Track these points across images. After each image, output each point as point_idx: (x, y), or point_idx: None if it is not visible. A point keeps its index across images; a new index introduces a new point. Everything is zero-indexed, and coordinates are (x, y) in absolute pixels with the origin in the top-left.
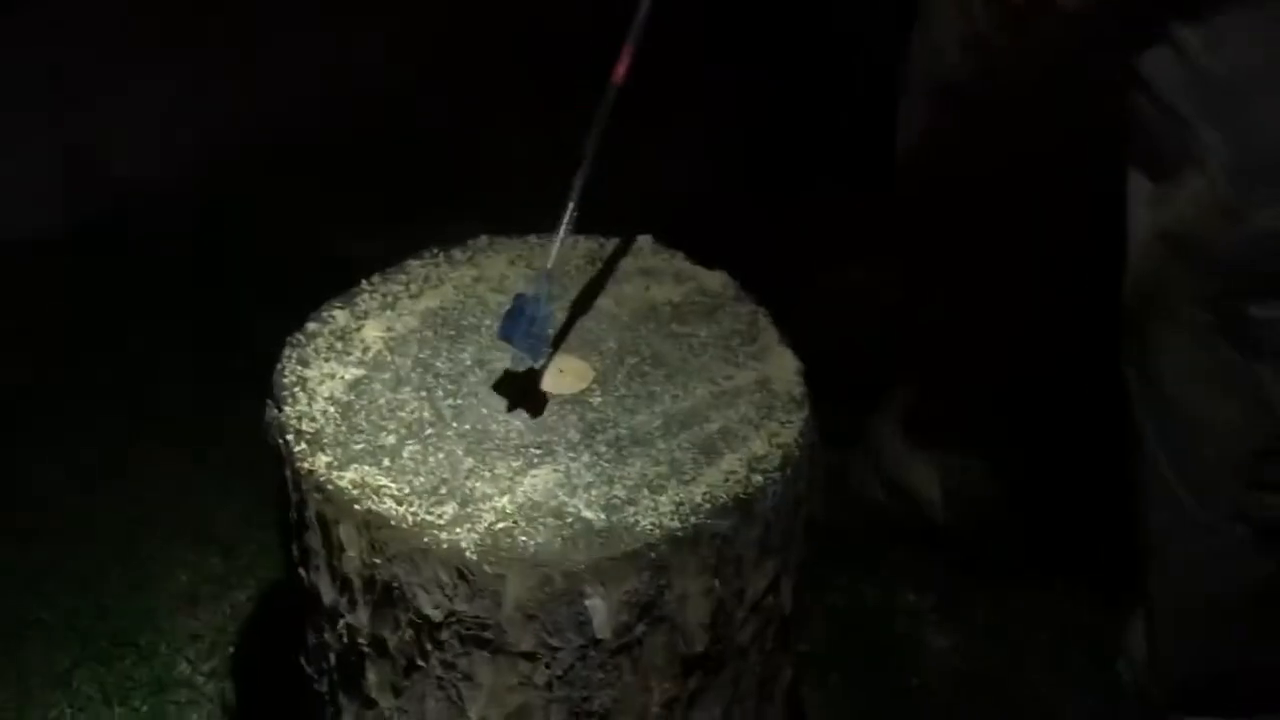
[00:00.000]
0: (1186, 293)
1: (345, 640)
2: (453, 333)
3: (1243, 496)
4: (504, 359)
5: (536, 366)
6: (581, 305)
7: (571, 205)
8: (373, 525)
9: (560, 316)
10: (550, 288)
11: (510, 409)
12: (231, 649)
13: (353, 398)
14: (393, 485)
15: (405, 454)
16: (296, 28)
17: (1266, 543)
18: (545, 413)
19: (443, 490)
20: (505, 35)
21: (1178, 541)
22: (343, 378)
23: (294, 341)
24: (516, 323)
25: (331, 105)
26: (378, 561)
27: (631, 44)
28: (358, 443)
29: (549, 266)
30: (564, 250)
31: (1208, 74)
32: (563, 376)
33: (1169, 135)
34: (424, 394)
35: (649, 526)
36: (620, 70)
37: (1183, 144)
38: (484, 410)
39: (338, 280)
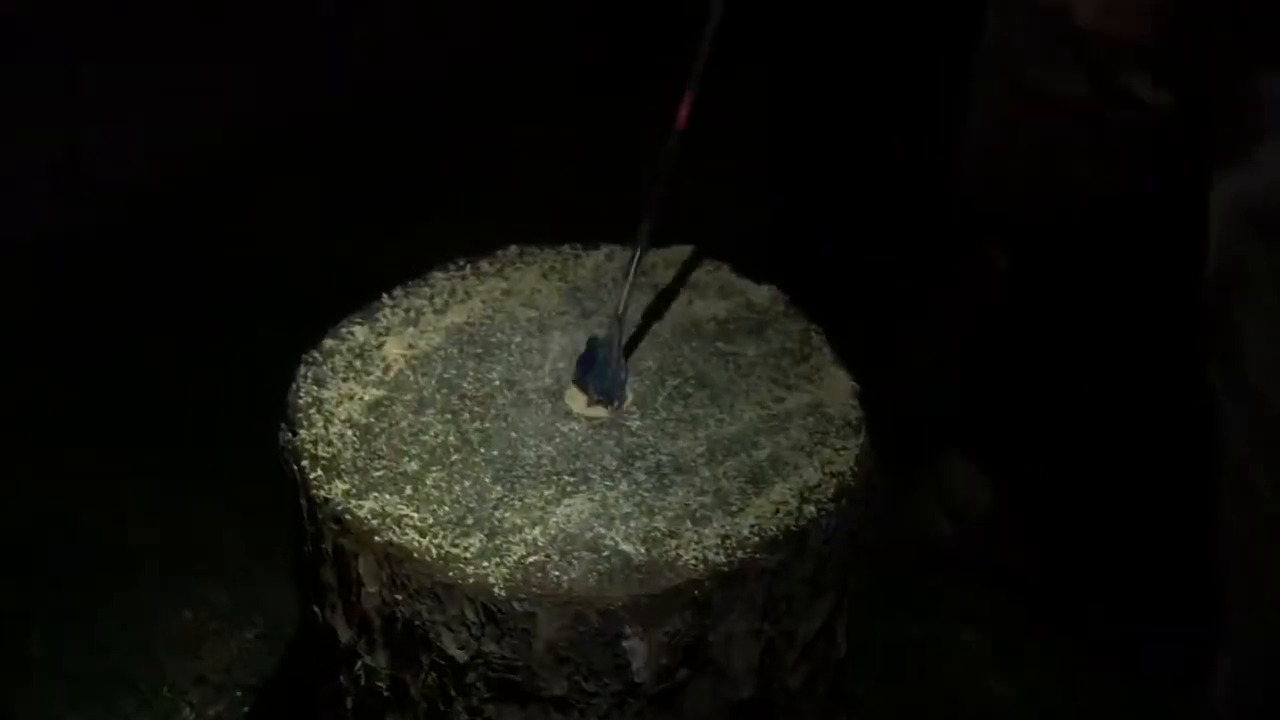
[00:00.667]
0: (1270, 273)
1: (363, 684)
2: (480, 351)
3: None
4: (535, 379)
5: (614, 408)
6: (620, 321)
7: (638, 251)
8: (394, 559)
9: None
10: (620, 338)
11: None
12: (239, 693)
13: (372, 420)
14: (415, 515)
15: (429, 482)
16: (298, 25)
17: None
18: (580, 438)
19: (469, 521)
20: (514, 31)
21: (1267, 551)
22: (362, 399)
23: (309, 360)
24: (591, 367)
25: (333, 104)
26: (399, 598)
27: (692, 90)
28: (378, 469)
29: (620, 312)
30: (599, 261)
31: None
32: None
33: (1253, 100)
34: (449, 417)
35: (692, 561)
36: (683, 115)
37: (1256, 114)
38: (513, 434)
39: (341, 287)
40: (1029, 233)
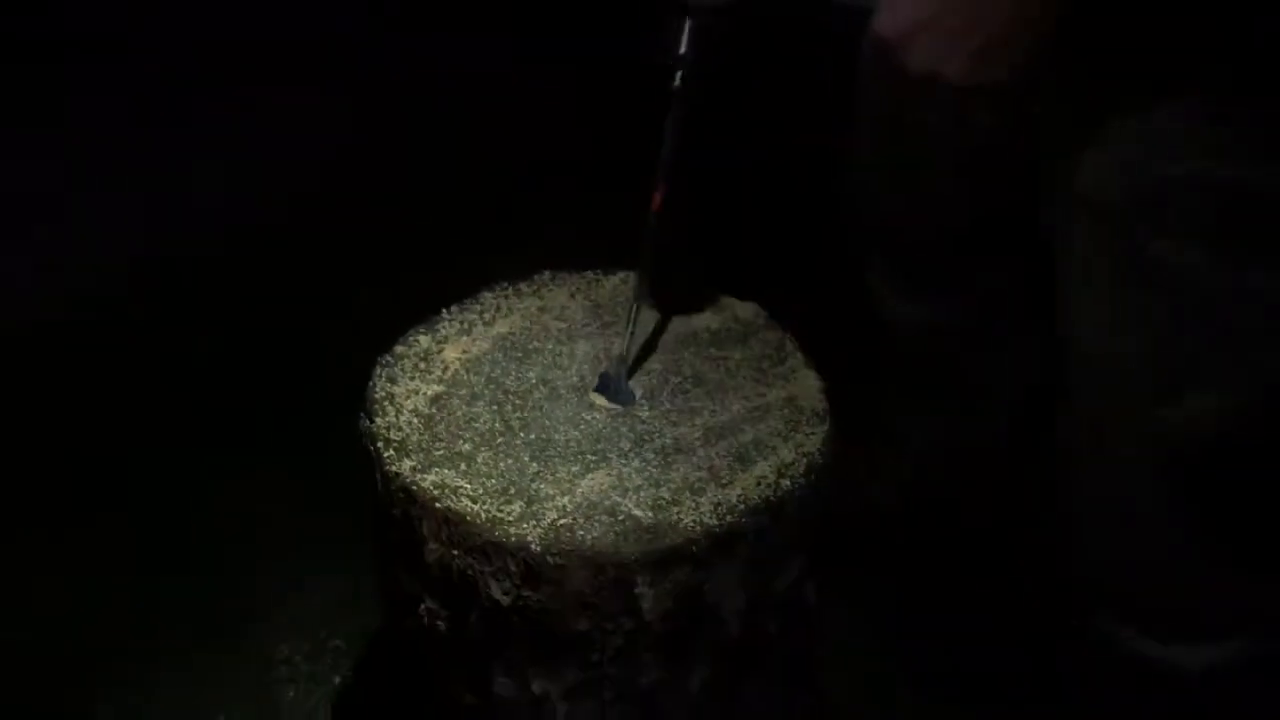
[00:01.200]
0: (1091, 244)
1: (426, 623)
2: (520, 355)
3: (1144, 420)
4: (565, 377)
5: (626, 408)
6: (634, 333)
7: (635, 308)
8: (451, 521)
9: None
10: (626, 368)
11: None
12: (324, 633)
13: (434, 411)
14: (468, 486)
15: (479, 460)
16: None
17: (1170, 462)
18: (600, 425)
19: (511, 491)
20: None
21: (1096, 473)
22: (425, 393)
23: (384, 362)
24: (605, 388)
25: (389, 158)
26: (455, 553)
27: (663, 180)
28: (438, 449)
29: (626, 355)
30: (616, 284)
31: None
32: None
33: (1080, 120)
34: (495, 408)
35: (691, 524)
36: (657, 199)
37: (1094, 112)
38: (547, 422)
39: (411, 307)
40: (902, 245)
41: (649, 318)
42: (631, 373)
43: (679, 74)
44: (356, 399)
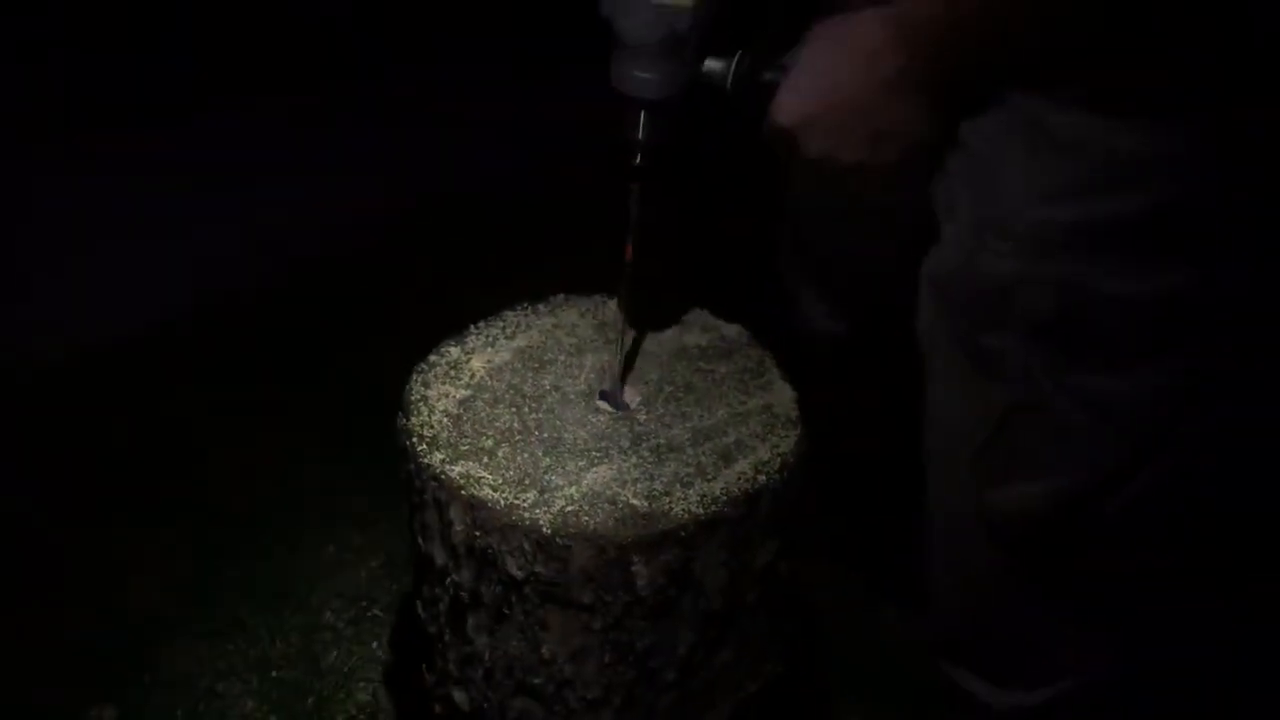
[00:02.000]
0: (942, 327)
1: (452, 594)
2: (537, 365)
3: (971, 489)
4: (575, 385)
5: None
6: (633, 348)
7: (620, 330)
8: (474, 507)
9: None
10: (618, 378)
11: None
12: (364, 602)
13: (461, 411)
14: (490, 477)
15: (499, 454)
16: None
17: (994, 532)
18: (604, 426)
19: (526, 481)
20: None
21: (934, 524)
22: (454, 396)
23: (419, 370)
24: (607, 396)
25: (455, 192)
26: (478, 534)
27: (632, 240)
28: (464, 445)
29: (617, 369)
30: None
31: (969, 147)
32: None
33: (942, 196)
34: (514, 410)
35: (681, 513)
36: (629, 251)
37: (949, 202)
38: (558, 423)
39: (443, 323)
40: (833, 286)
41: (648, 336)
42: (625, 383)
43: (639, 155)
44: (395, 401)
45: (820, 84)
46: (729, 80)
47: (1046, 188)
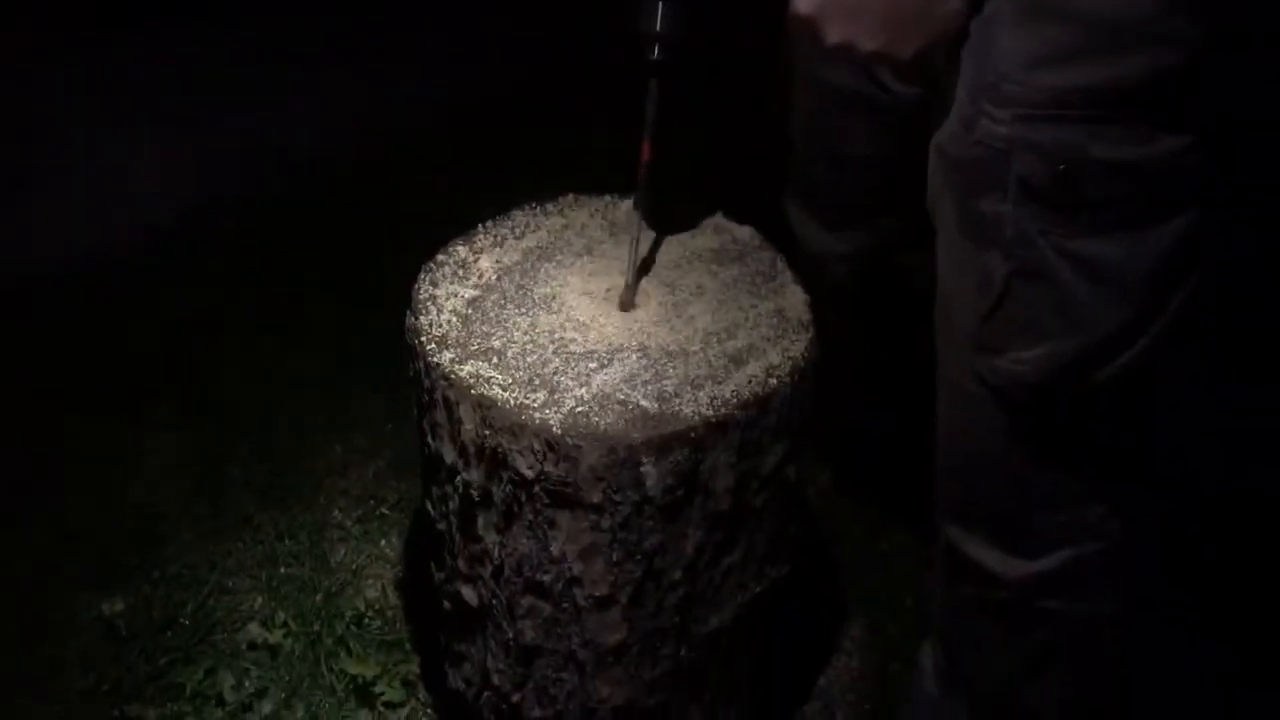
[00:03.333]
0: (949, 198)
1: (461, 492)
2: (546, 266)
3: (975, 360)
4: (584, 286)
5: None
6: (644, 250)
7: (636, 233)
8: (484, 406)
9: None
10: (630, 297)
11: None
12: (372, 501)
13: (470, 311)
14: (499, 377)
15: (509, 354)
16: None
17: (998, 400)
18: (614, 328)
19: (536, 382)
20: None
21: (944, 397)
22: (463, 296)
23: (427, 268)
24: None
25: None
26: (487, 433)
27: (649, 138)
28: (473, 344)
29: (631, 281)
30: (630, 207)
31: (978, 17)
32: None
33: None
34: (523, 311)
35: (690, 414)
36: (646, 150)
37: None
38: (568, 324)
39: (454, 221)
40: (818, 189)
41: (659, 239)
42: (636, 285)
43: (655, 48)
44: (402, 303)
45: None
46: None
47: (1046, 52)
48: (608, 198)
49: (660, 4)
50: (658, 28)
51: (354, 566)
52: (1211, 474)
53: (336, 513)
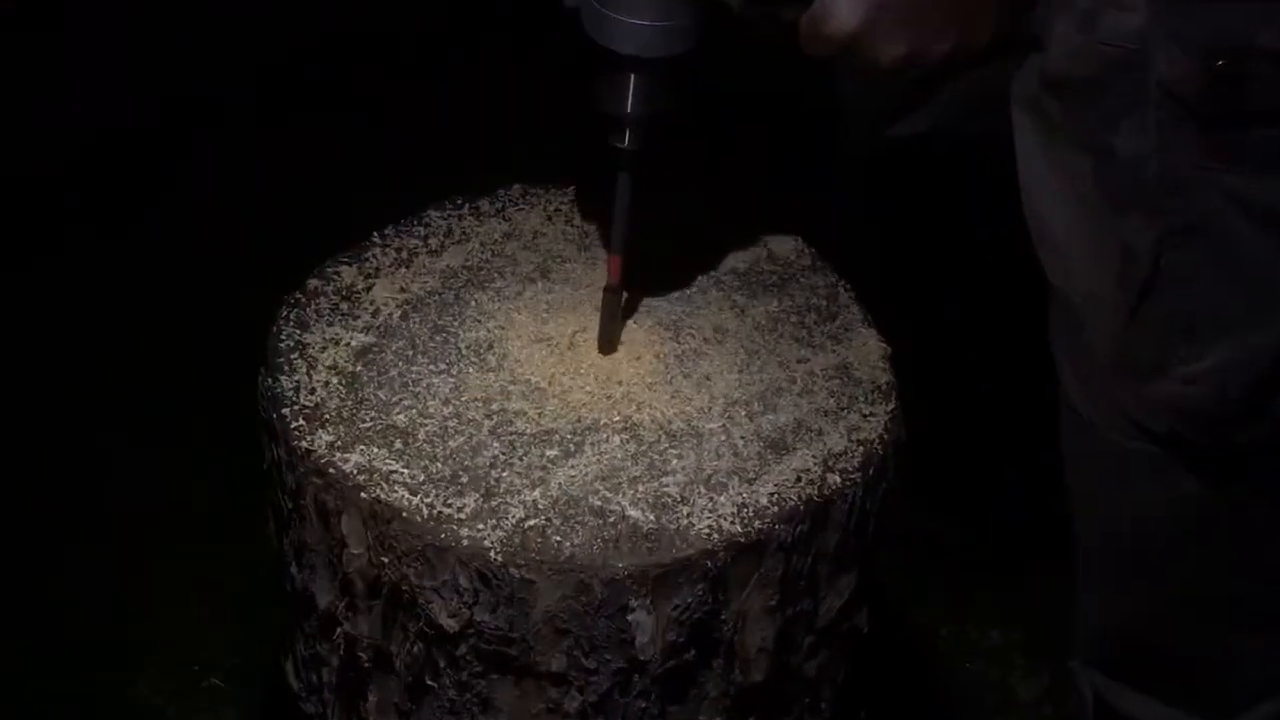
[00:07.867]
0: (1059, 147)
1: (343, 652)
2: (478, 296)
3: (1123, 392)
4: (541, 328)
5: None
6: (634, 273)
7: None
8: (381, 517)
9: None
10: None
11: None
12: (196, 667)
13: (360, 368)
14: (405, 471)
15: (420, 436)
16: None
17: (1171, 460)
18: (585, 395)
19: (463, 479)
20: None
21: (1088, 469)
22: (349, 344)
23: (291, 301)
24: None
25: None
26: (385, 560)
27: (618, 251)
28: (365, 420)
29: (614, 319)
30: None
31: None
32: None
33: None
34: (444, 366)
35: (705, 530)
36: (614, 268)
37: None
38: (514, 388)
39: (328, 226)
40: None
41: (657, 255)
42: (622, 326)
43: (626, 134)
44: (253, 350)
45: None
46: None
47: None
48: (571, 190)
49: (632, 78)
50: (628, 109)
51: None
52: None
53: (142, 686)
